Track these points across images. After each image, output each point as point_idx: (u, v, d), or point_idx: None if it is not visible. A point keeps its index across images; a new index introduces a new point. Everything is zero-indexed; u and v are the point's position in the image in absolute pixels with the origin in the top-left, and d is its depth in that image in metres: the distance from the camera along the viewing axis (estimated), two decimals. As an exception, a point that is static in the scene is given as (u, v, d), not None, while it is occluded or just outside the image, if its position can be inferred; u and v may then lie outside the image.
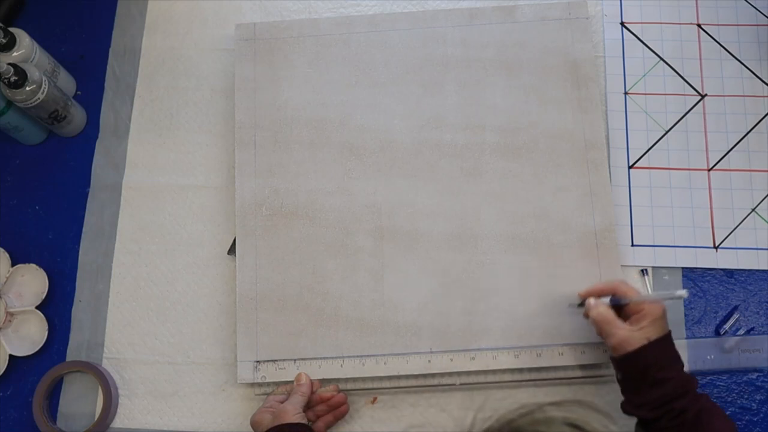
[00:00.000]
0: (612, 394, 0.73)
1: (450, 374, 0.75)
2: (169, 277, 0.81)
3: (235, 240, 0.79)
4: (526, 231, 0.78)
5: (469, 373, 0.74)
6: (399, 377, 0.75)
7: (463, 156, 0.80)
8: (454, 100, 0.82)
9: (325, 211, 0.79)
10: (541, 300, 0.75)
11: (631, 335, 0.65)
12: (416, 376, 0.75)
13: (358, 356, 0.75)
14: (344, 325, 0.76)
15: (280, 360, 0.75)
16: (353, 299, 0.76)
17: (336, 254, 0.78)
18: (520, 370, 0.74)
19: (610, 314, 0.67)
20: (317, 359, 0.75)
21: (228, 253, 0.81)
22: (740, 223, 0.80)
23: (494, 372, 0.74)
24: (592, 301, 0.70)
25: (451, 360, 0.74)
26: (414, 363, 0.74)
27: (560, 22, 0.84)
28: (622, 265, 0.77)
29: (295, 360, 0.75)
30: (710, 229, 0.80)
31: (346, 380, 0.75)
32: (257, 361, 0.75)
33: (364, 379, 0.75)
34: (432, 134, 0.81)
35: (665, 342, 0.65)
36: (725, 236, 0.79)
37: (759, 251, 0.79)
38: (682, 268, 0.79)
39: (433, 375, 0.75)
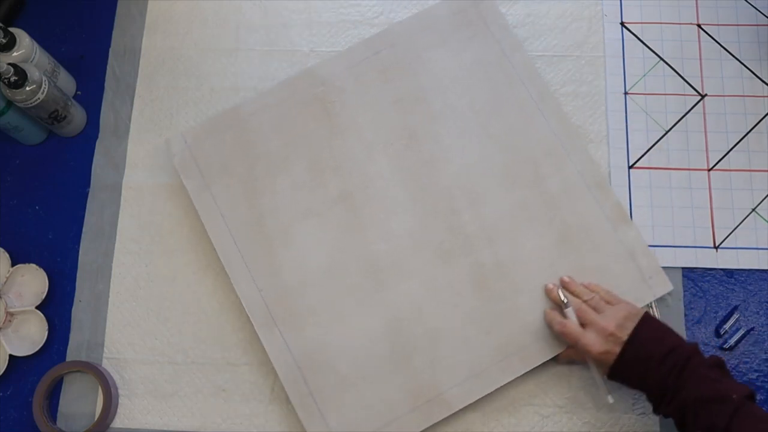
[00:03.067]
0: (615, 392, 0.72)
1: None
2: (169, 277, 0.81)
3: None
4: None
5: None
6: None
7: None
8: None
9: None
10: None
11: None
12: None
13: None
14: None
15: None
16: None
17: None
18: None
19: (578, 329, 0.68)
20: None
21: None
22: (740, 223, 0.80)
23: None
24: (556, 317, 0.71)
25: None
26: None
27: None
28: (622, 265, 0.78)
29: None
30: (710, 229, 0.80)
31: None
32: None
33: None
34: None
35: (645, 324, 0.66)
36: (725, 236, 0.79)
37: (759, 251, 0.79)
38: (682, 268, 0.79)
39: None
